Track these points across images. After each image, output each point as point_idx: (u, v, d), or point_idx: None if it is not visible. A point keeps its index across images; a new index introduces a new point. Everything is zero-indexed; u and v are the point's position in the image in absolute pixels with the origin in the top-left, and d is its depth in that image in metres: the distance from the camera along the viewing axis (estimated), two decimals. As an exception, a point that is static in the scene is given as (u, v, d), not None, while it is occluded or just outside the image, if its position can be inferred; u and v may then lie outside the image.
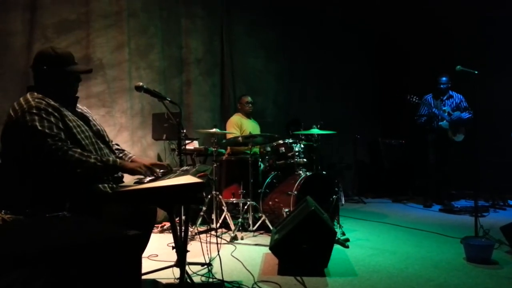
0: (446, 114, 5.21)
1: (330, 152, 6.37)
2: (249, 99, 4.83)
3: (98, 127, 2.16)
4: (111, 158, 1.94)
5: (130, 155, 2.31)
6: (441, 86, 5.27)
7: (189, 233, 3.41)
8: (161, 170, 2.06)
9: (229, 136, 4.33)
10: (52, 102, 1.92)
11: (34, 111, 1.83)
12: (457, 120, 5.21)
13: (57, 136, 1.82)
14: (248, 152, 4.15)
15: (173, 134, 3.82)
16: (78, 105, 2.16)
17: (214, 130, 3.95)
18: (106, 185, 1.96)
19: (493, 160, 5.07)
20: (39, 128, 1.80)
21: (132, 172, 1.95)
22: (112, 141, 2.29)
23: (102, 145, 2.08)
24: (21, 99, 1.92)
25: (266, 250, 3.11)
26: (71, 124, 1.94)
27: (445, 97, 5.32)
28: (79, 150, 1.84)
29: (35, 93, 1.94)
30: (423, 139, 5.48)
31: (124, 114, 4.31)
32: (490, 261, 2.85)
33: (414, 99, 5.19)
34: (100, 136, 2.12)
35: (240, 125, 4.69)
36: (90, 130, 2.06)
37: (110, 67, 4.23)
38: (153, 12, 4.62)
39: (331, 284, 2.47)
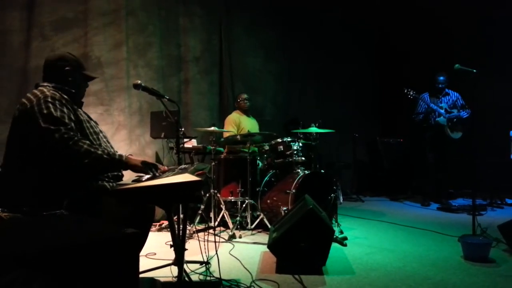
0: (443, 110, 5.23)
1: (329, 151, 6.37)
2: (244, 96, 4.84)
3: (100, 128, 2.19)
4: (117, 153, 1.96)
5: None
6: (439, 85, 5.28)
7: (187, 231, 3.42)
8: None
9: (226, 134, 4.33)
10: (65, 96, 1.98)
11: (50, 99, 1.88)
12: (456, 118, 5.22)
13: (69, 125, 1.86)
14: (245, 150, 4.15)
15: (172, 132, 3.82)
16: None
17: (212, 128, 3.95)
18: (105, 183, 1.97)
19: (491, 159, 5.08)
20: (55, 114, 1.84)
21: (136, 168, 1.96)
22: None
23: (108, 144, 2.11)
24: (35, 90, 1.97)
25: (264, 248, 3.11)
26: (81, 118, 1.99)
27: (441, 95, 5.34)
28: (88, 142, 1.88)
29: (48, 86, 2.00)
30: (421, 138, 5.49)
31: (122, 112, 4.30)
32: (488, 259, 2.86)
33: (411, 93, 5.20)
34: (104, 136, 2.15)
35: (238, 123, 4.69)
36: (97, 131, 2.09)
37: (108, 66, 4.23)
38: (151, 11, 4.61)
39: (329, 282, 2.48)
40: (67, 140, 1.81)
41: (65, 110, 1.90)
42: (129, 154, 2.28)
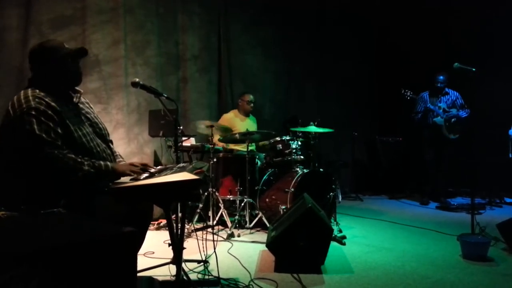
0: (441, 110, 5.23)
1: (328, 150, 6.36)
2: (251, 98, 4.76)
3: (100, 125, 2.14)
4: (103, 163, 1.92)
5: (120, 159, 2.29)
6: (438, 85, 5.28)
7: (186, 230, 3.41)
8: (157, 167, 2.06)
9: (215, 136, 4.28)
10: (53, 103, 1.88)
11: (33, 112, 1.80)
12: (455, 118, 5.22)
13: (53, 143, 1.80)
14: (227, 148, 4.10)
15: (170, 131, 3.80)
16: (82, 99, 2.13)
17: (210, 123, 3.92)
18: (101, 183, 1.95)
19: (490, 158, 5.08)
20: (37, 132, 1.78)
21: (122, 175, 1.93)
22: (112, 141, 2.27)
23: (104, 145, 2.06)
24: (22, 95, 1.88)
25: (263, 247, 3.10)
26: (71, 128, 1.91)
27: (441, 95, 5.34)
28: (73, 157, 1.82)
29: (37, 90, 1.90)
30: (420, 137, 5.49)
31: (120, 110, 4.28)
32: (486, 258, 2.86)
33: (408, 94, 5.21)
34: (100, 135, 2.10)
35: (231, 124, 4.65)
36: (92, 131, 2.04)
37: (106, 63, 4.20)
38: (149, 8, 4.58)
39: (327, 281, 2.47)
40: (51, 160, 1.78)
41: (50, 124, 1.82)
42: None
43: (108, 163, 1.97)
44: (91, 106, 2.22)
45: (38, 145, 1.77)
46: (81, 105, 2.11)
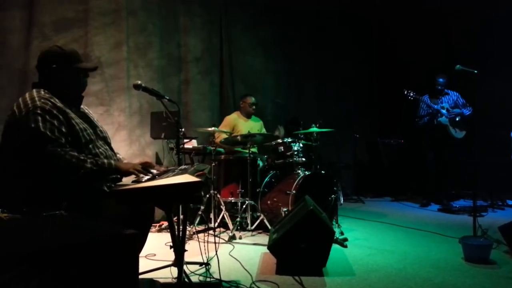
0: (445, 110, 5.23)
1: (329, 151, 6.36)
2: (253, 100, 4.75)
3: (101, 128, 2.16)
4: (106, 161, 1.93)
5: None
6: (439, 87, 5.29)
7: (187, 232, 3.41)
8: (158, 171, 2.06)
9: (218, 135, 4.28)
10: (59, 104, 1.91)
11: (39, 111, 1.82)
12: (459, 116, 5.22)
13: (57, 141, 1.81)
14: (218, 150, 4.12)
15: (172, 133, 3.81)
16: (82, 105, 2.17)
17: (212, 129, 3.94)
18: (103, 185, 1.96)
19: (492, 160, 5.07)
20: (41, 130, 1.79)
21: (126, 173, 1.94)
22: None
23: (106, 147, 2.08)
24: (27, 96, 1.90)
25: (265, 249, 3.10)
26: (77, 128, 1.93)
27: (441, 95, 5.35)
28: (76, 155, 1.83)
29: (42, 91, 1.92)
30: (421, 139, 5.48)
31: (122, 112, 4.29)
32: (488, 261, 2.85)
33: (411, 95, 5.20)
34: (102, 138, 2.12)
35: (233, 125, 4.65)
36: (94, 132, 2.05)
37: (108, 66, 4.22)
38: (151, 10, 4.60)
39: (329, 284, 2.47)
40: (53, 159, 1.78)
41: (55, 122, 1.84)
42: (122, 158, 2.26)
43: (112, 161, 1.97)
44: (90, 112, 2.25)
45: (41, 143, 1.78)
46: (82, 110, 2.15)
